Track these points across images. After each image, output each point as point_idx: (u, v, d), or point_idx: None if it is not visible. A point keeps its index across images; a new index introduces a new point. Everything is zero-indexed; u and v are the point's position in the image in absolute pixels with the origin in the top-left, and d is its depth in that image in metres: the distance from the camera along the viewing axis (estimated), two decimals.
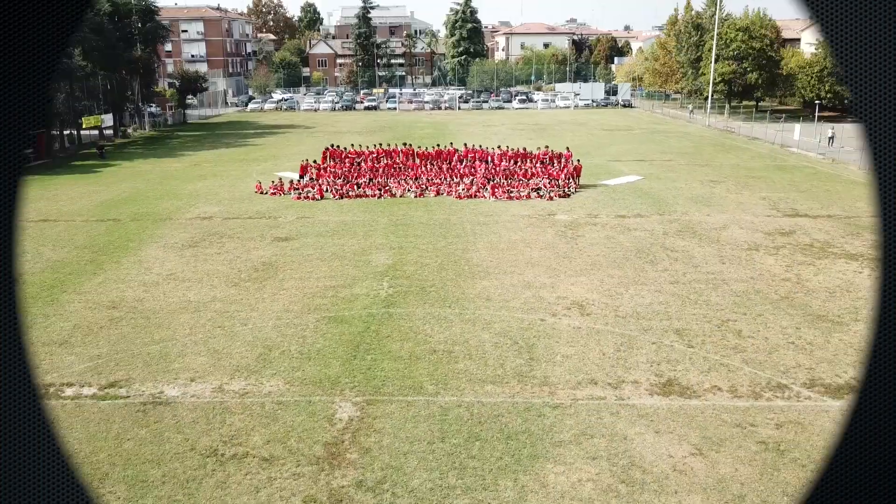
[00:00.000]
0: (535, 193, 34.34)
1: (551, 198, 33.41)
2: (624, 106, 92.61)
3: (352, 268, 22.92)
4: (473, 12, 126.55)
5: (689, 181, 37.88)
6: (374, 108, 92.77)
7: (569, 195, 34.10)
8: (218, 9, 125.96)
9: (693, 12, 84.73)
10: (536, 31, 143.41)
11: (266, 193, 35.29)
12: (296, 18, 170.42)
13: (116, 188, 37.88)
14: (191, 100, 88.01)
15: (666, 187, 36.11)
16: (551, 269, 22.61)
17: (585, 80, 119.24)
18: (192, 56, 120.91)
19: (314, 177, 36.98)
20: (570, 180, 35.85)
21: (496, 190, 34.18)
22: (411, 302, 19.66)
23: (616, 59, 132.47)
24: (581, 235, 26.69)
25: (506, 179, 35.98)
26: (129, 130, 66.00)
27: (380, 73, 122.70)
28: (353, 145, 39.30)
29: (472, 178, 36.22)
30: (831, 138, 49.56)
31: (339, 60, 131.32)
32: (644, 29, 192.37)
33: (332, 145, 39.05)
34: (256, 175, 41.08)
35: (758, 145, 53.02)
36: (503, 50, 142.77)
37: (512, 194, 33.93)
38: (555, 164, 36.93)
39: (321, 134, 63.59)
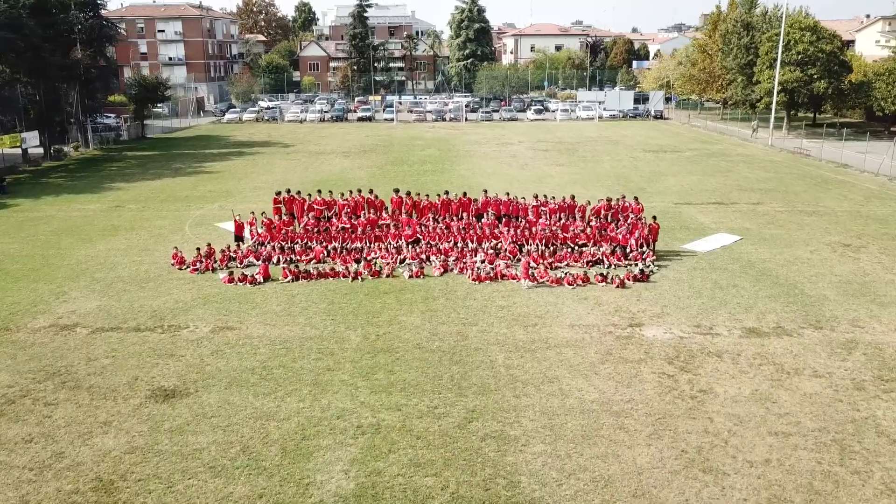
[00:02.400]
0: (594, 272, 22.38)
1: (622, 282, 21.40)
2: (656, 117, 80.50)
3: None
4: (481, 11, 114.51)
5: (811, 244, 25.89)
6: (369, 118, 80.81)
7: (647, 275, 22.09)
8: (199, 7, 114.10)
9: (738, 11, 72.77)
10: (547, 32, 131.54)
11: (186, 268, 23.37)
12: (289, 18, 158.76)
13: None
14: (159, 108, 76.25)
15: (786, 258, 24.10)
16: None
17: (602, 86, 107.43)
18: (170, 59, 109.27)
19: (261, 239, 25.01)
20: (645, 248, 23.88)
21: (533, 269, 22.25)
22: None
23: (634, 62, 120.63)
24: (707, 390, 14.69)
25: (546, 246, 24.03)
26: (68, 150, 54.11)
27: (377, 78, 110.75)
28: (319, 192, 27.21)
29: (495, 242, 24.30)
30: None
31: (332, 64, 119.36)
32: (651, 31, 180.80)
33: (288, 191, 26.96)
34: (189, 228, 29.30)
35: (855, 176, 40.97)
36: (511, 53, 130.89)
37: (559, 274, 21.95)
38: (619, 223, 24.90)
39: (299, 155, 51.70)
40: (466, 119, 78.91)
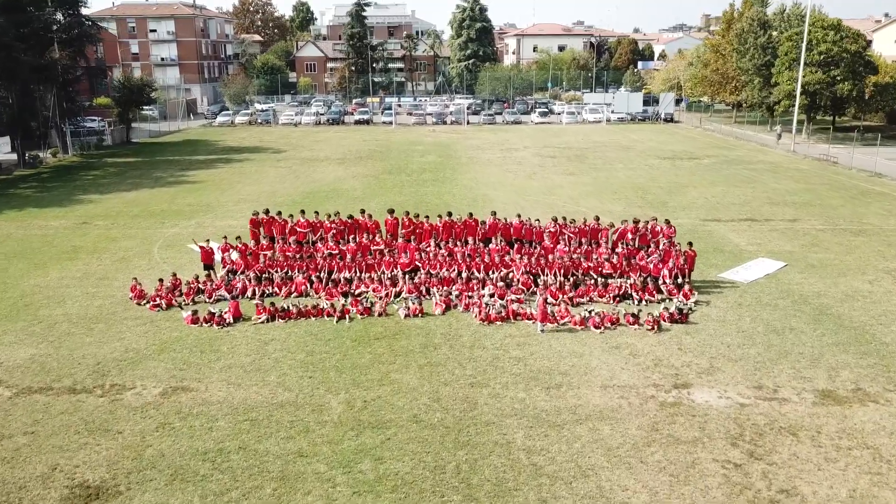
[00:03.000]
0: (623, 309, 19.03)
1: (657, 323, 18.04)
2: (666, 120, 77.11)
3: None
4: (483, 10, 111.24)
5: (867, 272, 22.53)
6: (367, 121, 77.47)
7: (685, 315, 18.71)
8: (193, 6, 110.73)
9: (754, 9, 69.33)
10: (550, 32, 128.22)
11: (145, 304, 20.02)
12: (287, 18, 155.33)
13: None
14: (148, 111, 72.82)
15: (843, 292, 20.74)
16: None
17: (607, 87, 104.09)
18: (162, 59, 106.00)
19: (234, 268, 21.65)
20: (682, 281, 20.52)
21: (552, 306, 18.91)
22: None
23: (640, 63, 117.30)
24: (789, 490, 11.30)
25: (566, 277, 20.67)
26: (45, 156, 50.75)
27: (375, 79, 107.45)
28: (303, 212, 23.82)
29: (506, 271, 20.96)
30: None
31: (329, 64, 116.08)
32: (652, 31, 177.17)
33: (266, 212, 23.61)
34: (158, 250, 25.93)
35: (894, 187, 37.62)
36: (513, 53, 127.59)
37: (583, 313, 18.56)
38: (648, 250, 21.55)
39: (290, 163, 48.38)
40: (468, 122, 75.56)
